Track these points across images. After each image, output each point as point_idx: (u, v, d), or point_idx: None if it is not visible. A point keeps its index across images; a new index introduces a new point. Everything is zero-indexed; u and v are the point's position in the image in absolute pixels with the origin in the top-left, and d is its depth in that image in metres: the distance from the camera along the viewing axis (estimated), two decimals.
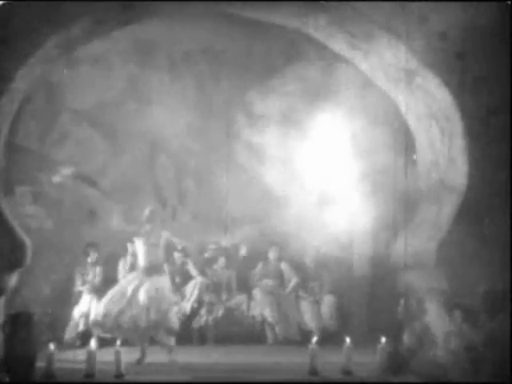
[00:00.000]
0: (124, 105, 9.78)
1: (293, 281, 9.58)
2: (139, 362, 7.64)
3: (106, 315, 7.83)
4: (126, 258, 8.52)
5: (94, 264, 9.25)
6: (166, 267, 9.44)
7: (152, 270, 7.97)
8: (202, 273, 9.45)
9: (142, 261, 8.05)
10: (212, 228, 9.40)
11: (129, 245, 8.25)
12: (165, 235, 8.07)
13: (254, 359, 7.97)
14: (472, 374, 6.47)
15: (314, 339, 7.20)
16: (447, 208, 6.84)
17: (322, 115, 9.46)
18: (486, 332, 6.47)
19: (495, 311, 6.46)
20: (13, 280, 6.77)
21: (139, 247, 8.07)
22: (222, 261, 9.63)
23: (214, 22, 9.25)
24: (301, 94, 9.70)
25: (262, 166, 9.83)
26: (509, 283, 6.43)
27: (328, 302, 9.48)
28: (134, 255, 8.20)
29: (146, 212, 8.15)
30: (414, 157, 7.44)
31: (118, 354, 6.83)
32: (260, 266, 9.68)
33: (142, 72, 9.74)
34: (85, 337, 8.51)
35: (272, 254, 9.68)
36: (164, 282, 8.03)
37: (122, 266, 9.11)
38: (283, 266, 9.68)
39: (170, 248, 8.33)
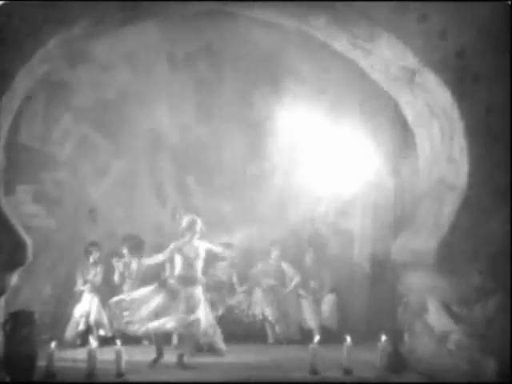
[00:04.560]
0: (125, 104, 9.76)
1: (294, 280, 9.57)
2: (155, 361, 7.64)
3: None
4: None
5: (95, 263, 9.26)
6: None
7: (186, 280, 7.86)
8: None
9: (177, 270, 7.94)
10: (213, 227, 9.38)
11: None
12: (203, 245, 8.00)
13: (254, 358, 7.97)
14: (472, 374, 6.49)
15: (316, 338, 7.20)
16: (448, 207, 6.84)
17: (323, 115, 9.48)
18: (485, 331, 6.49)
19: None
20: (13, 279, 6.78)
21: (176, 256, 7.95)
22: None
23: (215, 21, 9.27)
24: (301, 93, 9.69)
25: (262, 165, 9.82)
26: (509, 283, 6.44)
27: (328, 300, 9.48)
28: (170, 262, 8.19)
29: (187, 220, 7.97)
30: None
31: (118, 353, 6.84)
32: (260, 265, 9.68)
33: (142, 71, 9.73)
34: (85, 336, 8.52)
35: (273, 254, 9.68)
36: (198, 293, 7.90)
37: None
38: (284, 265, 9.67)
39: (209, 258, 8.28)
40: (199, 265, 7.96)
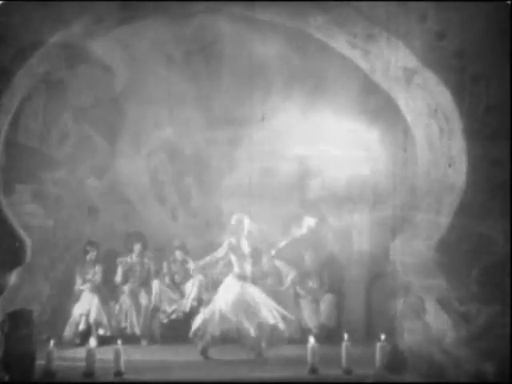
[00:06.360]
0: (124, 104, 9.77)
1: (290, 275, 9.57)
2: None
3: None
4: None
5: (94, 262, 9.26)
6: (165, 266, 9.52)
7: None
8: (202, 271, 9.45)
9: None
10: (212, 227, 9.38)
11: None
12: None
13: (253, 357, 7.97)
14: (470, 373, 6.49)
15: (311, 336, 7.20)
16: (446, 207, 6.84)
17: (324, 114, 9.48)
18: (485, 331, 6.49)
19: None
20: (12, 278, 6.79)
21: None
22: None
23: (214, 21, 9.27)
24: (300, 93, 9.70)
25: (260, 165, 9.83)
26: (508, 282, 6.45)
27: (327, 300, 9.48)
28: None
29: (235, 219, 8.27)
30: None
31: (117, 352, 6.85)
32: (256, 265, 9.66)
33: (142, 70, 9.73)
34: (85, 335, 8.53)
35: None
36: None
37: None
38: (278, 263, 9.66)
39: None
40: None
